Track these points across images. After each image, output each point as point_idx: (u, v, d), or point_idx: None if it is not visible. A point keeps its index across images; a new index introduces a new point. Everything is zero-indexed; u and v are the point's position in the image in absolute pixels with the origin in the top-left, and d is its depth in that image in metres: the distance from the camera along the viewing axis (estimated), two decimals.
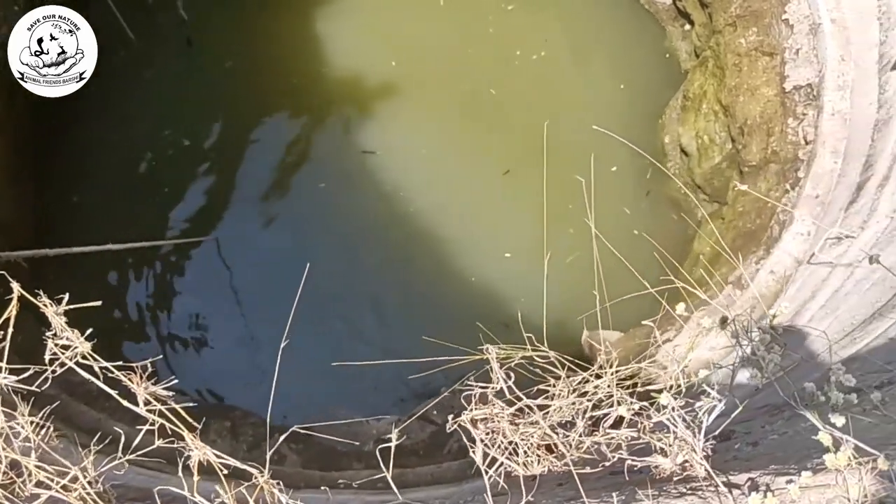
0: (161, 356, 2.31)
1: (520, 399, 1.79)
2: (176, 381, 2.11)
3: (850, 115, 4.74)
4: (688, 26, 6.09)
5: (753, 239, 5.08)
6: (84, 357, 2.03)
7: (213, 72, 6.36)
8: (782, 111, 4.99)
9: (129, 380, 1.98)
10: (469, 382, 1.87)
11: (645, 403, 1.70)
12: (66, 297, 1.99)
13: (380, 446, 2.06)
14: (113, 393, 2.03)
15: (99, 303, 2.12)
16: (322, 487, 4.83)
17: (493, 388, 1.83)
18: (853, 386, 1.34)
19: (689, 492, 1.54)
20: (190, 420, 2.07)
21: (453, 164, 6.19)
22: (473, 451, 1.75)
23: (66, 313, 2.11)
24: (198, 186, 6.01)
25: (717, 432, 1.67)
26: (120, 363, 2.07)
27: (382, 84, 6.45)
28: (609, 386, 1.71)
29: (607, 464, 1.70)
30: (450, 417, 1.92)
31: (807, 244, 4.69)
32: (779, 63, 5.01)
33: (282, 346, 2.25)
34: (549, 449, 1.79)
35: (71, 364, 1.97)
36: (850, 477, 1.27)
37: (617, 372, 1.76)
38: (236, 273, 5.86)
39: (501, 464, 1.77)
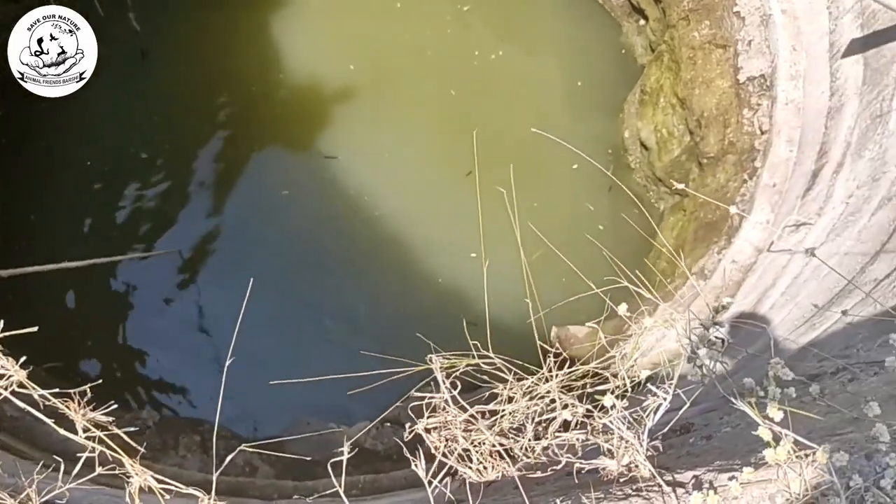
0: (100, 381, 2.26)
1: (466, 408, 1.77)
2: (115, 405, 2.05)
3: (803, 103, 4.80)
4: (642, 21, 6.14)
5: (715, 229, 5.13)
6: (21, 385, 1.96)
7: (168, 83, 6.27)
8: (737, 102, 5.04)
9: (67, 407, 1.92)
10: (414, 394, 1.86)
11: (588, 407, 1.70)
12: (1, 323, 1.93)
13: (331, 460, 2.03)
14: (49, 422, 1.97)
15: (35, 328, 2.05)
16: (295, 497, 4.79)
17: (441, 398, 1.81)
18: (791, 380, 1.35)
19: (634, 493, 1.54)
20: (133, 444, 2.02)
21: (416, 167, 6.17)
22: (415, 465, 1.73)
23: (13, 338, 2.05)
24: (157, 199, 5.92)
25: (665, 430, 1.67)
26: (57, 390, 2.01)
27: (342, 89, 6.41)
28: (556, 389, 1.70)
29: (557, 467, 1.69)
30: (407, 426, 1.90)
31: (766, 232, 4.75)
32: (732, 55, 5.06)
33: (227, 363, 2.20)
34: (501, 455, 1.78)
35: (6, 394, 1.91)
36: (790, 470, 1.28)
37: (569, 373, 1.76)
38: (201, 285, 5.79)
39: (455, 472, 1.76)
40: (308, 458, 3.68)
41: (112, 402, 2.11)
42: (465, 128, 6.28)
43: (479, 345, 1.96)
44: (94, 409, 2.01)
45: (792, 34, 4.86)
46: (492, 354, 1.88)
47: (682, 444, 2.07)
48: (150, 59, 6.10)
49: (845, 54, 4.54)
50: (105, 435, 1.94)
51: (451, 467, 1.79)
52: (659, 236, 5.65)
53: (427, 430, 1.84)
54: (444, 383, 1.80)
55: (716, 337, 1.48)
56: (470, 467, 1.76)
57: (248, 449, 2.40)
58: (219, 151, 6.13)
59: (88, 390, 2.02)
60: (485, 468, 1.74)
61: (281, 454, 3.92)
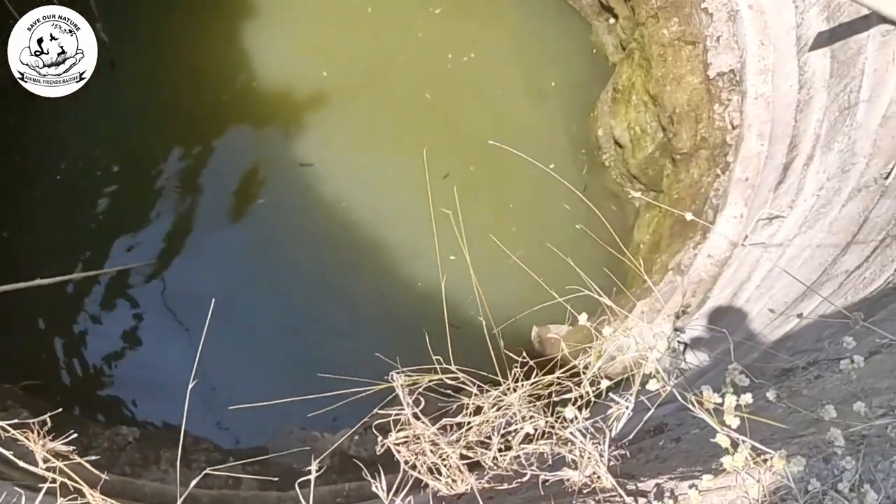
0: (60, 410, 2.24)
1: (428, 425, 1.76)
2: (75, 434, 2.02)
3: (772, 97, 4.84)
4: (612, 20, 6.17)
5: (690, 224, 5.15)
6: None
7: (139, 94, 6.21)
8: (708, 98, 5.08)
9: (26, 437, 1.89)
10: (378, 412, 1.86)
11: (549, 419, 1.70)
12: None
13: (299, 479, 2.01)
14: (8, 454, 1.93)
15: None
16: None
17: (406, 414, 1.81)
18: (747, 385, 1.36)
19: None
20: (95, 472, 1.99)
21: (393, 171, 6.16)
22: (376, 487, 1.73)
23: None
24: (130, 212, 5.87)
25: (631, 436, 1.67)
26: (16, 421, 1.98)
27: (315, 95, 6.38)
28: (518, 401, 1.71)
29: (524, 479, 1.69)
30: (379, 440, 1.90)
31: (740, 226, 4.78)
32: (701, 51, 5.10)
33: (190, 385, 2.17)
34: (469, 467, 1.77)
35: None
36: (749, 477, 1.28)
37: (534, 383, 1.76)
38: (179, 298, 5.74)
39: (426, 485, 1.75)
40: (275, 479, 3.66)
41: (72, 431, 2.07)
42: (440, 131, 6.29)
43: (441, 359, 1.96)
44: (53, 439, 1.98)
45: (759, 29, 4.90)
46: (454, 368, 1.88)
47: (653, 446, 2.08)
48: (118, 70, 6.03)
49: (812, 47, 4.58)
50: (66, 464, 1.91)
51: (421, 480, 1.78)
52: (635, 232, 5.69)
53: (397, 445, 1.83)
54: (407, 400, 1.80)
55: (678, 342, 1.48)
56: (439, 480, 1.76)
57: (213, 472, 2.36)
58: (192, 162, 6.08)
59: (48, 420, 1.98)
60: (454, 481, 1.74)
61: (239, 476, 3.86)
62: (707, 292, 4.80)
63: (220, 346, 5.52)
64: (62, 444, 1.95)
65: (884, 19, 3.98)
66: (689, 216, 2.15)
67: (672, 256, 5.07)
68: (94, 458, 2.01)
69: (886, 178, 3.64)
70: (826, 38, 4.45)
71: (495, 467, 1.74)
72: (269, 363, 5.62)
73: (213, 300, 2.73)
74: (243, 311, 5.69)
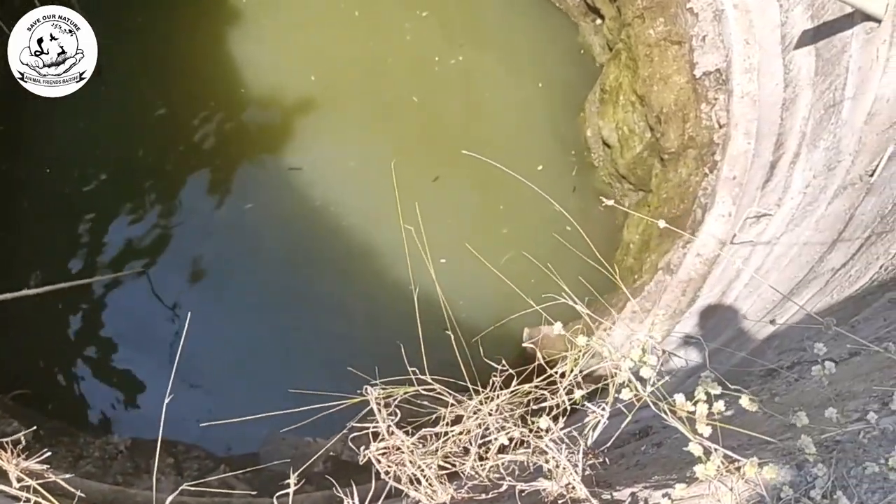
0: (34, 428, 2.22)
1: (412, 432, 1.76)
2: (49, 453, 2.01)
3: (758, 96, 4.86)
4: (599, 21, 6.17)
5: (679, 224, 5.16)
6: None
7: (125, 100, 6.19)
8: (695, 97, 5.08)
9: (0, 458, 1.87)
10: (354, 425, 1.86)
11: (523, 430, 1.69)
12: None
13: (277, 493, 2.00)
14: None
15: None
16: None
17: (381, 428, 1.80)
18: (719, 394, 1.35)
19: None
20: (69, 488, 1.98)
21: (382, 175, 6.13)
22: (348, 502, 1.72)
23: None
24: (120, 220, 5.85)
25: (609, 444, 1.67)
26: None
27: (303, 100, 6.37)
28: (495, 412, 1.70)
29: (502, 489, 1.69)
30: (361, 449, 1.89)
31: (729, 225, 4.79)
32: (687, 51, 5.10)
33: (166, 401, 2.16)
34: (450, 477, 1.77)
35: None
36: (722, 485, 1.28)
37: (514, 391, 1.76)
38: (168, 303, 5.72)
39: (406, 495, 1.75)
40: (254, 493, 3.65)
41: (45, 450, 2.05)
42: (428, 133, 6.28)
43: (417, 370, 1.95)
44: (27, 458, 1.96)
45: (744, 28, 4.92)
46: (429, 379, 1.88)
47: (635, 451, 2.08)
48: (105, 76, 6.00)
49: (797, 46, 4.59)
50: (40, 483, 1.89)
51: (402, 491, 1.78)
52: (625, 232, 5.70)
53: (377, 455, 1.83)
54: (381, 414, 1.79)
55: (654, 348, 1.48)
56: (419, 491, 1.75)
57: (189, 487, 2.35)
58: (179, 167, 6.07)
59: (23, 438, 1.96)
60: (434, 491, 1.73)
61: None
62: (697, 291, 4.82)
63: (212, 351, 5.51)
64: (36, 462, 1.94)
65: (867, 17, 3.99)
66: (661, 224, 2.14)
67: (661, 256, 5.08)
68: (66, 475, 1.99)
69: (871, 175, 3.64)
70: (811, 37, 4.47)
71: (475, 477, 1.74)
72: (259, 369, 5.60)
73: (189, 314, 2.71)
74: (233, 317, 5.68)
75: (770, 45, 4.82)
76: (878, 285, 2.72)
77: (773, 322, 2.66)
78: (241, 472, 4.71)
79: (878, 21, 3.91)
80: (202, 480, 4.04)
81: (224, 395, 5.42)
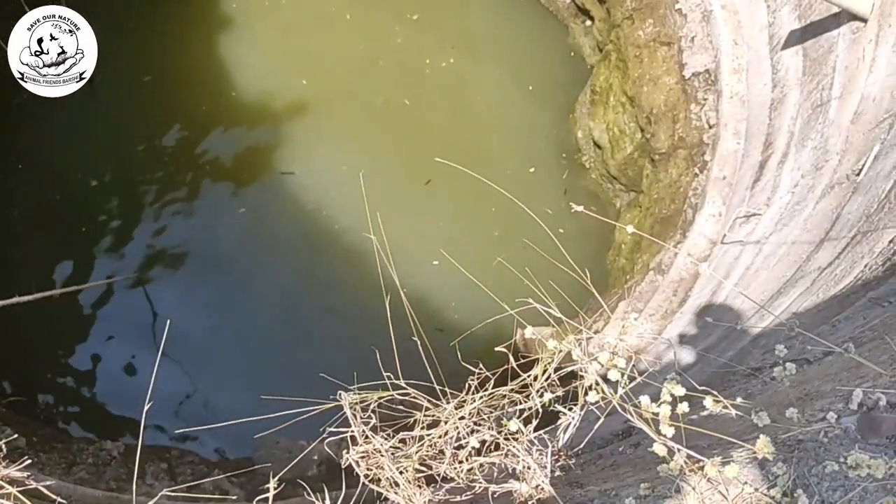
0: (15, 436, 2.24)
1: (377, 443, 1.78)
2: (29, 461, 2.02)
3: (747, 96, 4.87)
4: (588, 22, 6.19)
5: (670, 224, 5.18)
6: None
7: (118, 107, 6.20)
8: (684, 98, 5.10)
9: None
10: (331, 429, 1.87)
11: (493, 432, 1.71)
12: None
13: (256, 498, 2.01)
14: None
15: None
16: None
17: (356, 432, 1.81)
18: (684, 395, 1.37)
19: None
20: (51, 495, 1.99)
21: (375, 178, 6.15)
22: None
23: None
24: (111, 226, 5.85)
25: (581, 446, 1.69)
26: None
27: (295, 104, 6.38)
28: (475, 413, 1.72)
29: (477, 491, 1.70)
30: (344, 453, 1.90)
31: (719, 225, 4.81)
32: (676, 52, 5.12)
33: (145, 408, 2.17)
34: (429, 480, 1.78)
35: None
36: (684, 484, 1.29)
37: (491, 394, 1.77)
38: (161, 309, 5.73)
39: (386, 498, 1.76)
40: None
41: (25, 458, 2.06)
42: (420, 136, 6.29)
43: (392, 376, 1.97)
44: (7, 466, 1.97)
45: (733, 28, 4.93)
46: (404, 385, 1.89)
47: (612, 452, 2.10)
48: (96, 83, 6.01)
49: (785, 46, 4.61)
50: (20, 490, 1.90)
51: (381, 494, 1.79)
52: (616, 233, 5.71)
53: (357, 459, 1.84)
54: (354, 419, 1.81)
55: (622, 352, 1.49)
56: (398, 493, 1.76)
57: (169, 493, 2.35)
58: (171, 173, 6.07)
59: (3, 447, 1.97)
60: (412, 494, 1.74)
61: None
62: (688, 291, 4.82)
63: (203, 357, 5.52)
64: (16, 470, 1.95)
65: (854, 17, 4.01)
66: (630, 229, 2.15)
67: (653, 256, 5.09)
68: (49, 482, 2.00)
69: (858, 174, 3.66)
70: (798, 37, 4.49)
71: (452, 479, 1.75)
72: (252, 374, 5.60)
73: (168, 321, 2.72)
74: (227, 322, 5.69)
75: (758, 45, 4.83)
76: (861, 284, 2.73)
77: (751, 322, 2.67)
78: (233, 474, 4.71)
79: (865, 21, 3.93)
80: (193, 484, 4.06)
81: (213, 398, 5.43)
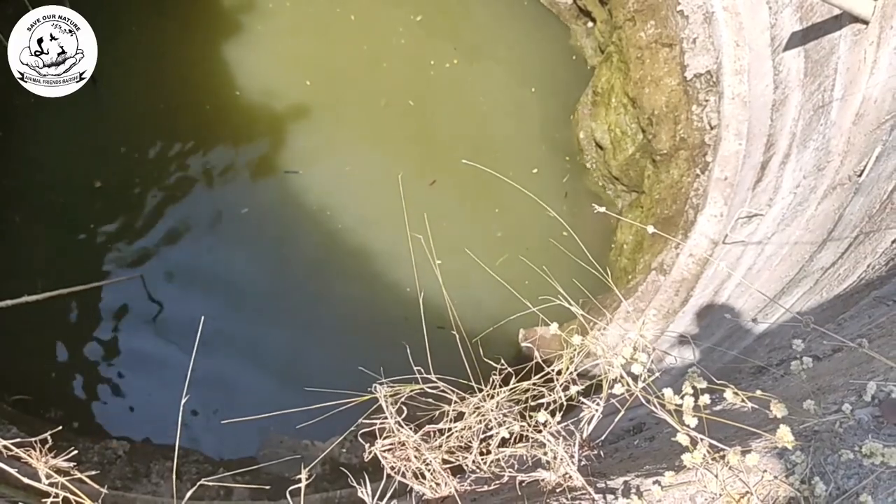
0: (60, 428, 2.28)
1: (410, 433, 1.81)
2: (76, 451, 2.05)
3: (749, 97, 4.91)
4: (590, 24, 6.23)
5: (672, 224, 5.22)
6: None
7: (121, 108, 6.21)
8: (686, 99, 5.14)
9: (29, 455, 1.92)
10: (363, 421, 1.91)
11: (522, 423, 1.75)
12: None
13: (290, 488, 2.05)
14: (13, 471, 1.96)
15: None
16: None
17: (389, 423, 1.85)
18: (705, 387, 1.41)
19: (569, 501, 1.59)
20: (95, 486, 2.02)
21: (378, 179, 6.18)
22: (362, 492, 1.77)
23: None
24: (115, 226, 5.86)
25: (603, 436, 1.73)
26: (18, 440, 2.00)
27: (299, 104, 6.41)
28: (495, 408, 1.75)
29: (504, 481, 1.74)
30: (367, 447, 1.94)
31: (721, 225, 4.85)
32: (678, 53, 5.16)
33: (182, 401, 2.20)
34: (454, 471, 1.82)
35: None
36: (708, 472, 1.33)
37: (513, 388, 1.81)
38: (166, 308, 5.75)
39: (412, 489, 1.80)
40: (268, 487, 3.68)
41: (72, 448, 2.10)
42: (424, 137, 6.32)
43: (422, 370, 2.00)
44: (55, 456, 2.01)
45: (734, 30, 4.97)
46: (434, 378, 1.93)
47: (628, 445, 2.14)
48: (100, 84, 6.04)
49: (786, 47, 4.65)
50: (68, 480, 1.93)
51: (407, 485, 1.82)
52: (618, 233, 5.75)
53: (383, 452, 1.87)
54: (390, 410, 1.84)
55: (645, 346, 1.53)
56: (424, 485, 1.80)
57: (206, 483, 2.38)
58: (175, 173, 6.09)
59: (50, 437, 2.01)
60: (437, 485, 1.78)
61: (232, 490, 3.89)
62: (690, 291, 4.86)
63: (206, 357, 5.54)
64: (63, 460, 1.98)
65: (855, 19, 4.05)
66: (650, 229, 2.19)
67: (655, 256, 5.13)
68: (93, 472, 2.04)
69: (860, 175, 3.70)
70: (800, 39, 4.52)
71: (477, 470, 1.79)
72: (258, 374, 5.63)
73: (203, 318, 2.76)
74: (230, 322, 5.71)
75: (760, 46, 4.88)
76: (865, 283, 2.77)
77: (755, 321, 2.71)
78: (238, 472, 4.74)
79: (866, 23, 3.97)
80: (201, 483, 4.07)
81: (227, 397, 5.45)
